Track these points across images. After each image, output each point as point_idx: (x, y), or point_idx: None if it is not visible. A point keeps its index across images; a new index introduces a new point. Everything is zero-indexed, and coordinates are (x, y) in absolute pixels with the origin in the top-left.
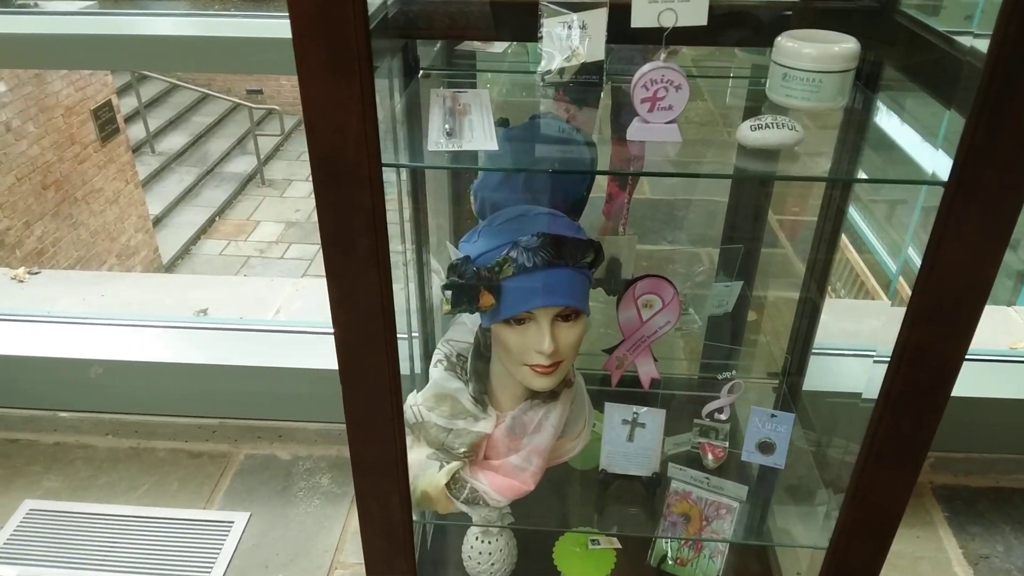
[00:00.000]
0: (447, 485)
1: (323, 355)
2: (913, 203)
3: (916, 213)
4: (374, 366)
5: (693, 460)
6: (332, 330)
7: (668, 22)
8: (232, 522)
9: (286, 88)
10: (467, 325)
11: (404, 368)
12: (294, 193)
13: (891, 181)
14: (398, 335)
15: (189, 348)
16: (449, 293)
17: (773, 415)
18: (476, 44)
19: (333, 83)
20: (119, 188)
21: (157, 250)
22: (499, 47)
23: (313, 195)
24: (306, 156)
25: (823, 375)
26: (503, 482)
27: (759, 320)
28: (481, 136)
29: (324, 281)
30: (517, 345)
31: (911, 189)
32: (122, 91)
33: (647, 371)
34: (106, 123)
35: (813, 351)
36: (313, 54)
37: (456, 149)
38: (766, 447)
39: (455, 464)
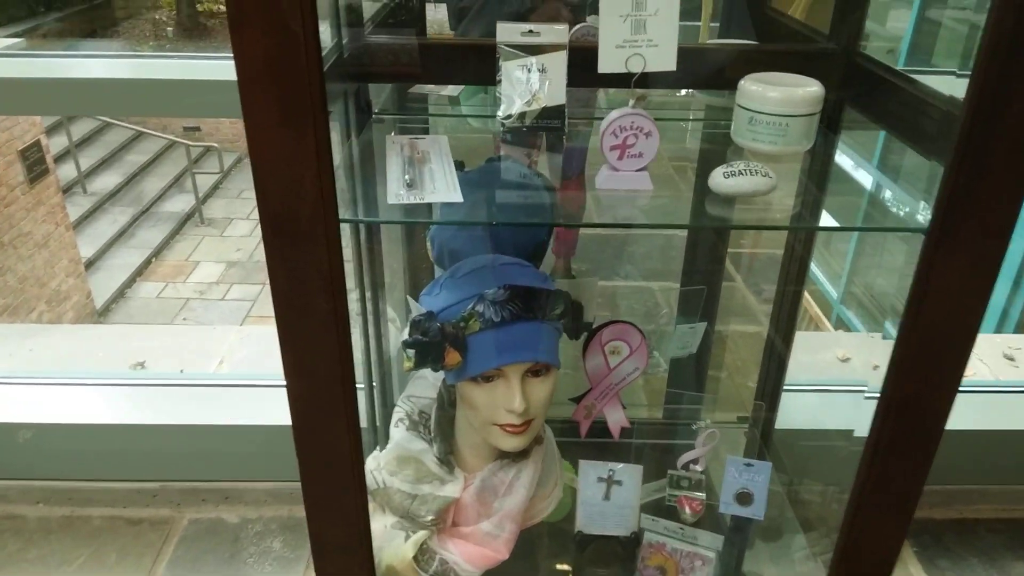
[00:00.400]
0: (414, 557)
1: (271, 410)
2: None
3: (853, 243)
4: (333, 437)
5: (666, 510)
6: (280, 382)
7: (636, 68)
8: None
9: (224, 124)
10: (428, 380)
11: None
12: (235, 232)
13: (873, 229)
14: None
15: (126, 406)
16: (412, 352)
17: (749, 464)
18: (429, 87)
19: (285, 136)
20: (48, 231)
21: (90, 295)
22: (454, 90)
23: (255, 233)
24: (247, 193)
25: (794, 412)
26: (474, 552)
27: (721, 357)
28: (443, 186)
29: (270, 327)
30: (485, 404)
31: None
32: (51, 130)
33: (616, 419)
34: (34, 164)
35: (786, 388)
36: (262, 104)
37: (419, 201)
38: (744, 498)
39: (422, 534)
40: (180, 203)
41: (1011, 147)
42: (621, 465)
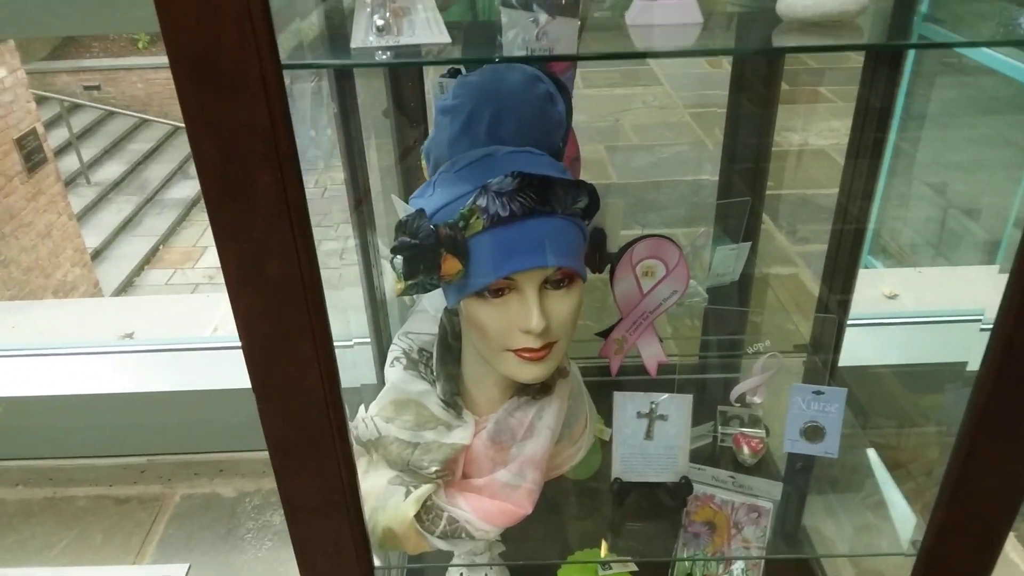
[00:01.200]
0: (417, 517)
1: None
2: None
3: (880, 187)
4: (297, 361)
5: (711, 457)
6: None
7: None
8: None
9: None
10: (429, 313)
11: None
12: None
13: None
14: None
15: (110, 376)
16: (400, 261)
17: (819, 392)
18: None
19: None
20: (51, 221)
21: (97, 284)
22: None
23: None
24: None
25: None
26: (490, 506)
27: (761, 298)
28: (425, 29)
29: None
30: (496, 325)
31: None
32: (51, 123)
33: (653, 353)
34: (32, 152)
35: (855, 321)
36: None
37: (391, 44)
38: (814, 432)
39: (425, 488)
40: (186, 189)
41: None
42: (665, 396)
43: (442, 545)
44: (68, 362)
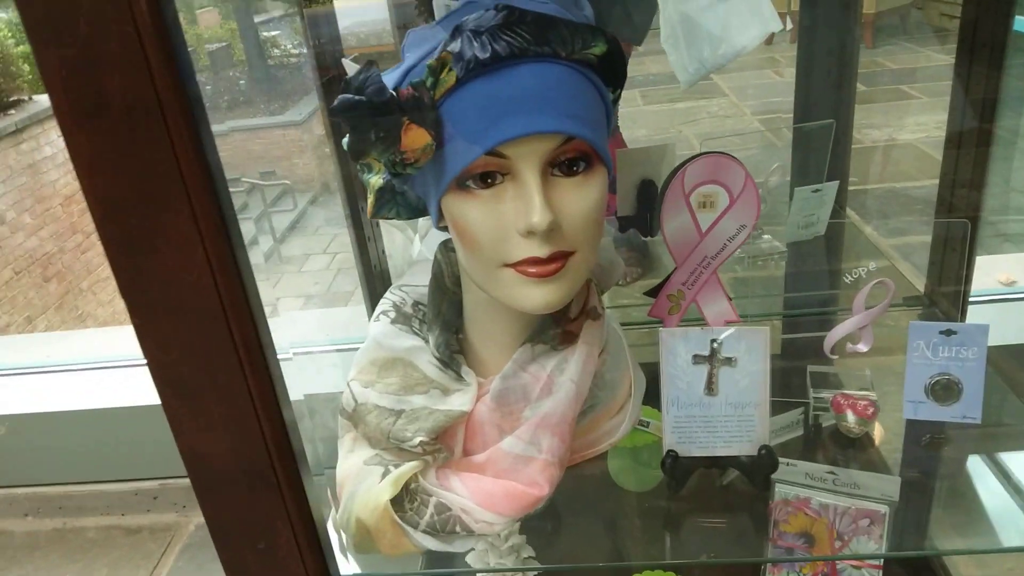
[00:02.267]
0: (396, 504)
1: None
2: None
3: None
4: (175, 236)
5: (804, 440)
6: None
7: None
8: None
9: (298, 166)
10: (429, 263)
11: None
12: (312, 267)
13: None
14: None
15: (119, 390)
16: (348, 130)
17: (950, 332)
18: None
19: None
20: None
21: None
22: None
23: (331, 266)
24: (323, 229)
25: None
26: (493, 488)
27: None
28: None
29: (304, 311)
30: (487, 227)
31: None
32: None
33: (719, 312)
34: None
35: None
36: None
37: None
38: (946, 389)
39: (407, 467)
40: (262, 244)
41: None
42: (732, 329)
43: (430, 543)
44: (73, 378)
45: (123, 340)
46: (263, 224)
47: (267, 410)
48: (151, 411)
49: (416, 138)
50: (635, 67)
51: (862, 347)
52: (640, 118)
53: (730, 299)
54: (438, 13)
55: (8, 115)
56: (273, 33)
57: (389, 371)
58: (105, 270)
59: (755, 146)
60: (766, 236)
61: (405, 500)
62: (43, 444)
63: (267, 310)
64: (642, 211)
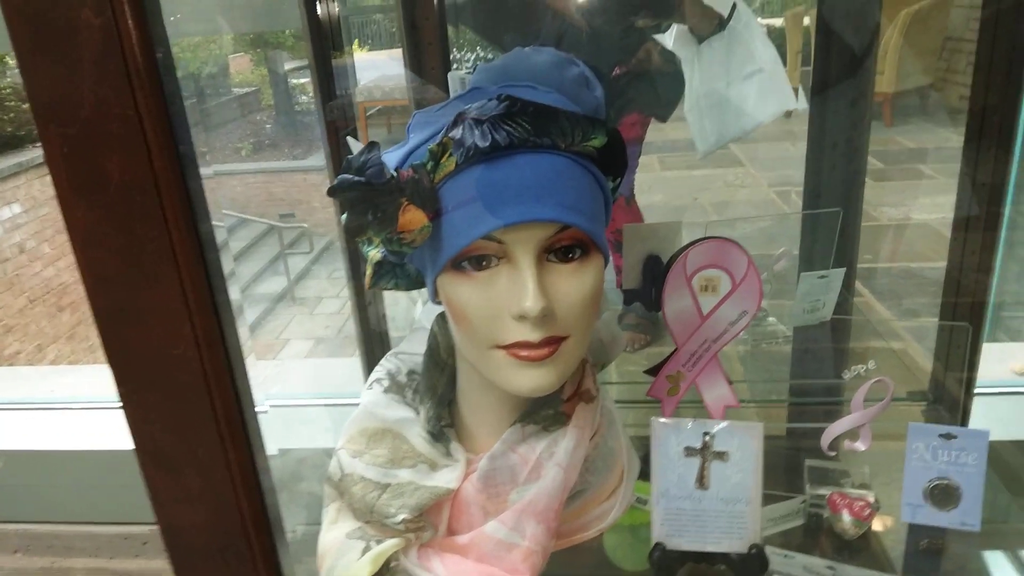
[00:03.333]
0: None
1: (298, 434)
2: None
3: (999, 260)
4: (164, 318)
5: (802, 534)
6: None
7: None
8: None
9: (318, 210)
10: (427, 331)
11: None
12: (324, 310)
13: None
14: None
15: (118, 433)
16: (346, 208)
17: (950, 436)
18: None
19: None
20: None
21: None
22: None
23: (343, 311)
24: (337, 274)
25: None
26: (474, 571)
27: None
28: None
29: (313, 360)
30: (480, 308)
31: None
32: None
33: (718, 396)
34: None
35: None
36: None
37: None
38: (944, 494)
39: (389, 544)
40: (274, 284)
41: None
42: (725, 424)
43: None
44: (77, 416)
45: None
46: (278, 265)
47: (247, 486)
48: None
49: (413, 219)
50: (655, 133)
51: (860, 445)
52: (657, 184)
53: (730, 383)
54: (452, 89)
55: (36, 147)
56: (302, 80)
57: (378, 442)
58: None
59: (770, 217)
60: (771, 319)
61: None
62: (37, 482)
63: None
64: (647, 286)
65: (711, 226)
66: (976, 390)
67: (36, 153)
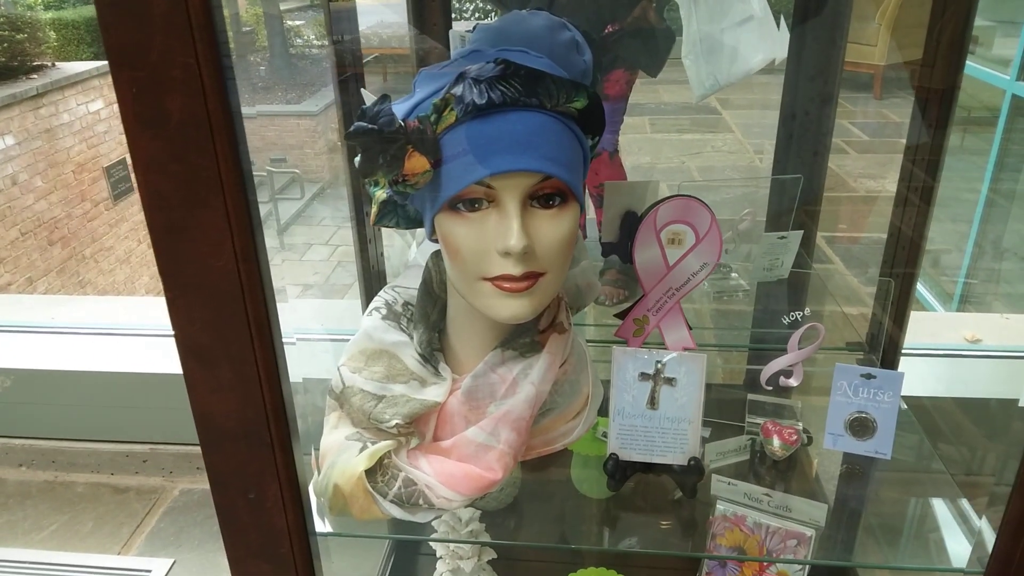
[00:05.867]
0: (370, 475)
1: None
2: (961, 254)
3: (966, 259)
4: (209, 234)
5: (748, 472)
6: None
7: None
8: (149, 571)
9: (309, 155)
10: (421, 267)
11: None
12: (313, 256)
13: None
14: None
15: (115, 354)
16: (359, 153)
17: (870, 376)
18: None
19: None
20: (131, 248)
21: None
22: None
23: (332, 258)
24: (327, 221)
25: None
26: (455, 469)
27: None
28: None
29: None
30: (470, 245)
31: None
32: None
33: (678, 339)
34: (119, 181)
35: (913, 350)
36: None
37: None
38: (862, 425)
39: (383, 444)
40: (265, 230)
41: None
42: (674, 354)
43: (395, 511)
44: (72, 340)
45: (127, 310)
46: (269, 210)
47: (269, 381)
48: (148, 379)
49: (417, 164)
50: (648, 94)
51: (793, 382)
52: (646, 145)
53: (690, 328)
54: (453, 45)
55: (31, 79)
56: (297, 23)
57: (375, 361)
58: (109, 240)
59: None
60: (734, 274)
61: (378, 473)
62: (42, 400)
63: (276, 295)
64: (623, 239)
65: (684, 187)
66: (923, 351)
67: (29, 85)
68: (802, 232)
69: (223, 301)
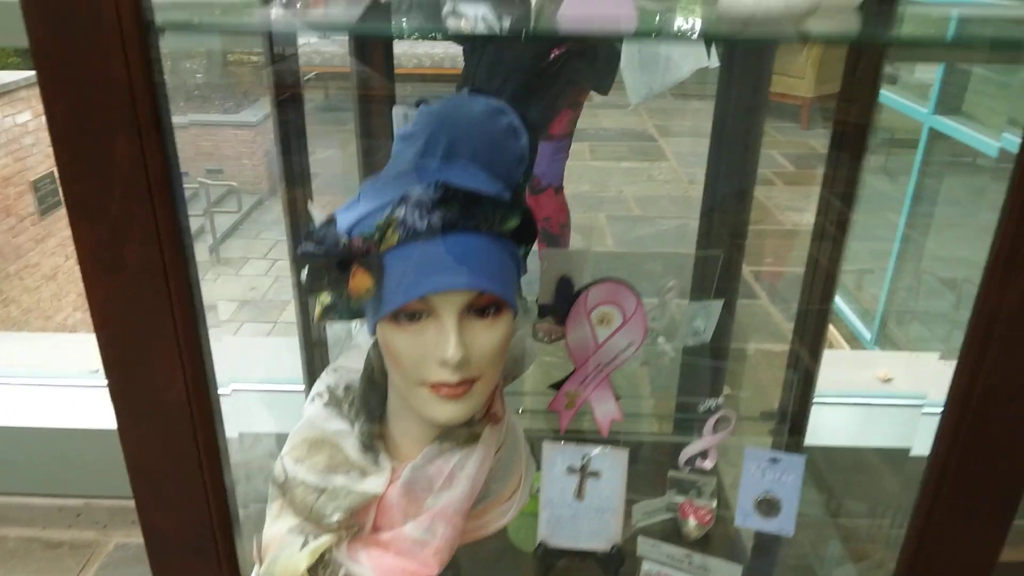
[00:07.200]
0: (312, 571)
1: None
2: (882, 273)
3: (886, 283)
4: (158, 373)
5: (670, 532)
6: (248, 385)
7: None
8: None
9: (247, 167)
10: (361, 349)
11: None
12: (250, 271)
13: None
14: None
15: (48, 407)
16: (305, 271)
17: (775, 460)
18: None
19: None
20: (58, 264)
21: None
22: None
23: (269, 272)
24: (265, 234)
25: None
26: (392, 564)
27: (740, 376)
28: (341, 11)
29: (253, 336)
30: (410, 354)
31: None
32: None
33: (606, 411)
34: (47, 195)
35: (820, 400)
36: None
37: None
38: (769, 506)
39: (324, 540)
40: (199, 243)
41: None
42: (599, 449)
43: None
44: (7, 392)
45: (58, 349)
46: (204, 222)
47: (216, 497)
48: (81, 433)
49: (361, 282)
50: (589, 119)
51: (707, 464)
52: (587, 173)
53: (618, 398)
54: (396, 123)
55: None
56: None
57: (317, 451)
58: (35, 256)
59: (688, 216)
60: (660, 338)
61: (319, 568)
62: None
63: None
64: (559, 302)
65: (612, 266)
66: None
67: None
68: (722, 301)
69: (173, 430)
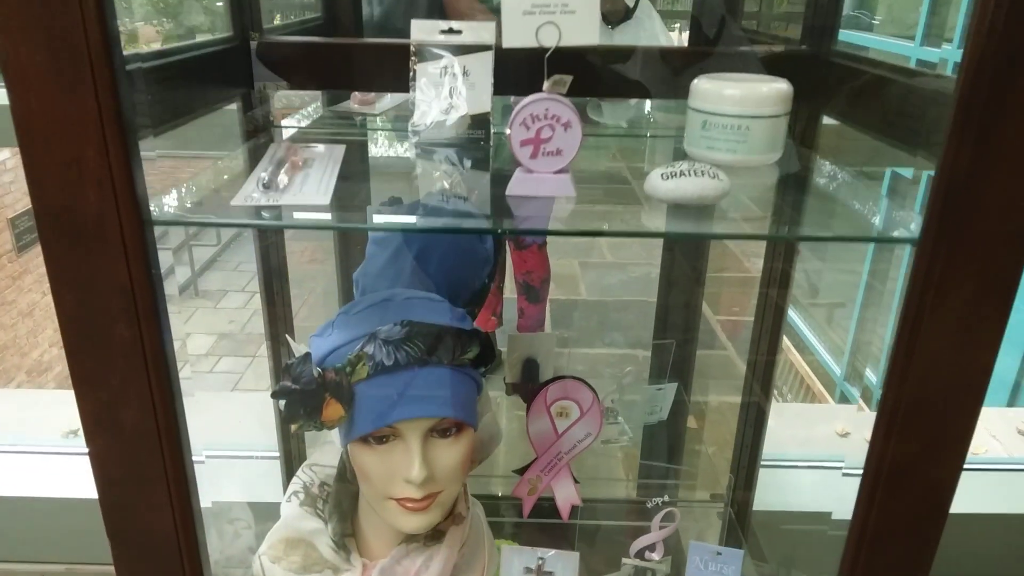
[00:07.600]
0: None
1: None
2: (852, 305)
3: (855, 314)
4: (149, 511)
5: None
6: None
7: (549, 41)
8: None
9: (226, 199)
10: (335, 445)
11: None
12: (228, 304)
13: (851, 239)
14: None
15: (32, 478)
16: (283, 403)
17: (718, 553)
18: (356, 104)
19: (56, 95)
20: (34, 300)
21: None
22: (390, 102)
23: (248, 305)
24: (244, 266)
25: (776, 491)
26: None
27: (700, 429)
28: (311, 191)
29: (239, 395)
30: (378, 472)
31: (849, 289)
32: None
33: (566, 496)
34: (24, 232)
35: (762, 463)
36: (26, 51)
37: (272, 204)
38: None
39: None
40: (178, 276)
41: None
42: (552, 552)
43: None
44: None
45: (35, 408)
46: (182, 255)
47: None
48: (66, 503)
49: (334, 411)
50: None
51: (655, 556)
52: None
53: (576, 482)
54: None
55: None
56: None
57: (293, 550)
58: (12, 293)
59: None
60: (620, 418)
61: None
62: None
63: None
64: (524, 382)
65: (583, 315)
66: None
67: None
68: (676, 384)
69: (161, 561)
